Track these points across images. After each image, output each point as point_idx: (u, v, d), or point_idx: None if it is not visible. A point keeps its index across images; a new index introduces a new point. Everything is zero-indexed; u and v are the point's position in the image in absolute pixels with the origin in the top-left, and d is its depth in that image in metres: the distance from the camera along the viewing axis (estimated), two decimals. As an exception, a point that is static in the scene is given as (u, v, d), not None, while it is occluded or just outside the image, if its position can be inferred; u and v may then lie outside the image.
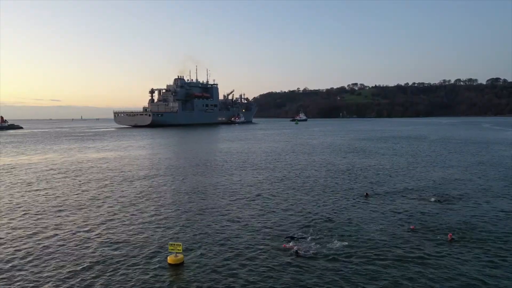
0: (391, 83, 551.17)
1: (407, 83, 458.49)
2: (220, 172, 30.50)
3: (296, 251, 12.34)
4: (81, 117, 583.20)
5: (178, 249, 11.77)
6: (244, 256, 12.30)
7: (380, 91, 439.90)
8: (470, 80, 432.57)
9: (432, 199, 19.72)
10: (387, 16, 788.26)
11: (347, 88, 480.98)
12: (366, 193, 21.29)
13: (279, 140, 71.72)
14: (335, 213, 17.49)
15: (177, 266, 11.50)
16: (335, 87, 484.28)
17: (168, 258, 11.86)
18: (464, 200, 19.68)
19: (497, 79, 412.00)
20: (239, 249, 12.93)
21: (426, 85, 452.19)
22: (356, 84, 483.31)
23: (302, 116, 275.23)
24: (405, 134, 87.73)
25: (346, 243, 13.27)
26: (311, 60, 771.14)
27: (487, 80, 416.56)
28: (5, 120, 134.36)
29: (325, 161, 36.92)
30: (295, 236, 14.00)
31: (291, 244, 13.08)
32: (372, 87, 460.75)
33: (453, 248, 12.78)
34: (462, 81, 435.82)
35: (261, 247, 13.08)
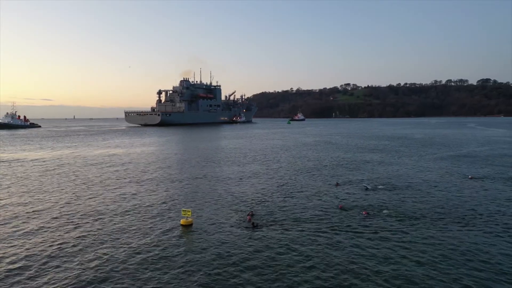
0: (383, 83, 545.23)
1: (399, 84, 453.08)
2: (223, 163, 34.34)
3: (253, 222, 15.35)
4: (74, 116, 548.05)
5: (188, 214, 15.56)
6: (233, 221, 16.11)
7: (372, 92, 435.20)
8: (461, 80, 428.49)
9: (369, 187, 22.33)
10: (380, 17, 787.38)
11: (339, 88, 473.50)
12: (337, 183, 24.18)
13: (275, 138, 75.58)
14: (303, 197, 21.04)
15: (188, 227, 15.23)
16: (328, 87, 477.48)
17: (181, 220, 15.67)
18: (398, 189, 22.35)
19: (487, 80, 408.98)
20: (234, 216, 16.73)
21: (417, 85, 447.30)
22: (348, 84, 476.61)
23: (300, 116, 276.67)
24: (392, 133, 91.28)
25: (294, 218, 16.37)
26: (304, 61, 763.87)
27: (478, 81, 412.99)
28: (28, 119, 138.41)
29: (313, 156, 40.66)
30: (257, 211, 17.29)
31: (253, 217, 16.23)
32: (365, 87, 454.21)
33: (366, 221, 15.94)
34: (453, 82, 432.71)
35: (237, 215, 16.85)
